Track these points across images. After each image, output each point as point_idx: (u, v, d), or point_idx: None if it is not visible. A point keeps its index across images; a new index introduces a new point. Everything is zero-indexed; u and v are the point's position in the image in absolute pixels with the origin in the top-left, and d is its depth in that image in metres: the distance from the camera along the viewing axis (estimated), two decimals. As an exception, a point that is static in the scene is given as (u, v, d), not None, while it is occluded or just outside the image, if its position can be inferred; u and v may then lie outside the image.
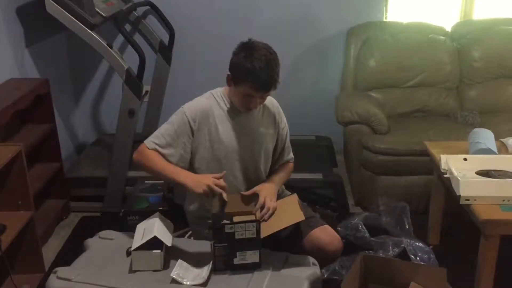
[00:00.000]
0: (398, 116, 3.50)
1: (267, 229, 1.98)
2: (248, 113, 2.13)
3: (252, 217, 1.98)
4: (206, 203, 2.11)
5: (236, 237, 1.90)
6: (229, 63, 2.05)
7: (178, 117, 2.11)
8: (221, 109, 2.14)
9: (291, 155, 2.35)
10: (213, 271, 1.90)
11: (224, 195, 1.94)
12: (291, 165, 2.36)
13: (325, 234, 2.13)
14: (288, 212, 2.09)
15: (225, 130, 2.13)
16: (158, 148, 2.07)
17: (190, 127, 2.10)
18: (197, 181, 1.97)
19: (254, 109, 2.11)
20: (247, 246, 1.91)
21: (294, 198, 2.20)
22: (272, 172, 2.30)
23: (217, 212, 1.92)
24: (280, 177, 2.27)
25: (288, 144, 2.33)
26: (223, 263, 1.92)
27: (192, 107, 2.12)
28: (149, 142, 2.09)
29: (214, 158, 2.14)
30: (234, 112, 2.14)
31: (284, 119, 2.29)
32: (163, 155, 2.07)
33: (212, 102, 2.14)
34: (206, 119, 2.11)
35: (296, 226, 2.13)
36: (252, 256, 1.92)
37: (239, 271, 1.91)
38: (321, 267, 2.06)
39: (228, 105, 2.14)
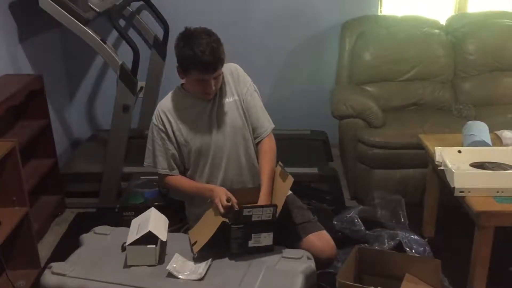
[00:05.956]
0: (393, 110, 3.50)
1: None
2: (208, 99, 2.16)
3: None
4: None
5: (253, 219, 1.93)
6: (176, 56, 2.08)
7: (153, 131, 2.20)
8: (184, 101, 2.18)
9: (271, 123, 2.28)
10: (230, 254, 1.95)
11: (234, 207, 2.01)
12: (271, 144, 2.25)
13: (319, 241, 2.13)
14: (279, 183, 2.12)
15: (192, 122, 2.17)
16: (167, 172, 2.22)
17: (164, 131, 2.17)
18: (212, 195, 2.08)
19: (212, 93, 2.12)
20: (262, 228, 1.94)
21: (277, 170, 2.18)
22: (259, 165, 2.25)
23: (238, 210, 1.97)
24: (267, 181, 2.15)
25: (261, 109, 2.26)
26: (238, 246, 1.95)
27: (156, 114, 2.20)
28: (156, 168, 2.22)
29: (194, 151, 2.19)
30: (195, 100, 2.17)
31: (245, 81, 2.24)
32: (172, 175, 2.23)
33: (172, 98, 2.20)
34: (172, 117, 2.16)
35: (291, 231, 2.15)
36: (266, 239, 1.96)
37: (252, 255, 1.95)
38: None
39: (188, 96, 2.18)
